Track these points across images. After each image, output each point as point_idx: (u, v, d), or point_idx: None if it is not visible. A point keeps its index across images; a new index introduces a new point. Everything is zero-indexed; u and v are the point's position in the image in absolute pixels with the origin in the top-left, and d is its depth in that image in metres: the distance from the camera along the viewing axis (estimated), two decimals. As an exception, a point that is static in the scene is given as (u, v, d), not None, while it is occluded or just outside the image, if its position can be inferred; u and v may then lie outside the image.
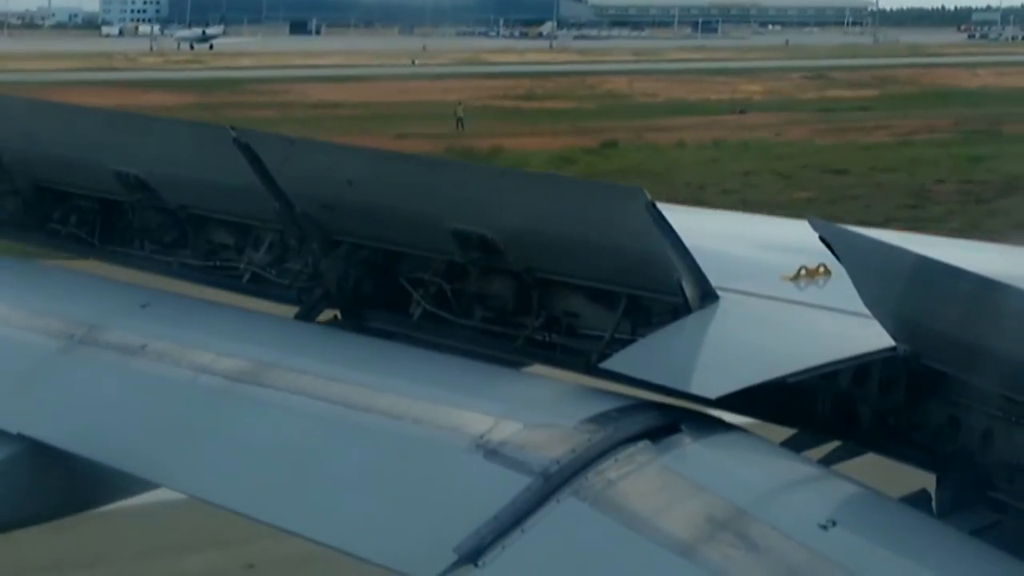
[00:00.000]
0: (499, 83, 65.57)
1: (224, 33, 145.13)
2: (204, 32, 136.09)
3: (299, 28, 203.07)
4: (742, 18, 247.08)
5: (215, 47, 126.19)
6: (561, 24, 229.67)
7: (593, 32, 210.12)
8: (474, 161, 25.94)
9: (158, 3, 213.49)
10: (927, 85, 69.39)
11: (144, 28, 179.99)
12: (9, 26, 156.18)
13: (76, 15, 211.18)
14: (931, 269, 3.39)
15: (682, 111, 50.91)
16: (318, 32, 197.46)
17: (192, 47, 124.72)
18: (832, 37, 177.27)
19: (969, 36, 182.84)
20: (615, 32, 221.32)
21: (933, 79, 73.55)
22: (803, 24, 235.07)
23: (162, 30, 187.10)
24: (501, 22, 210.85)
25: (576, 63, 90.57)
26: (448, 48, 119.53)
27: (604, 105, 54.34)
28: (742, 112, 50.34)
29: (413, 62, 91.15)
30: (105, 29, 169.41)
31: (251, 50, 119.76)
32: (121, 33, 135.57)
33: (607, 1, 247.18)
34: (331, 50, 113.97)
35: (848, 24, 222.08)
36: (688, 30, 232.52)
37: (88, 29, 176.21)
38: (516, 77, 71.04)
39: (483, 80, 67.12)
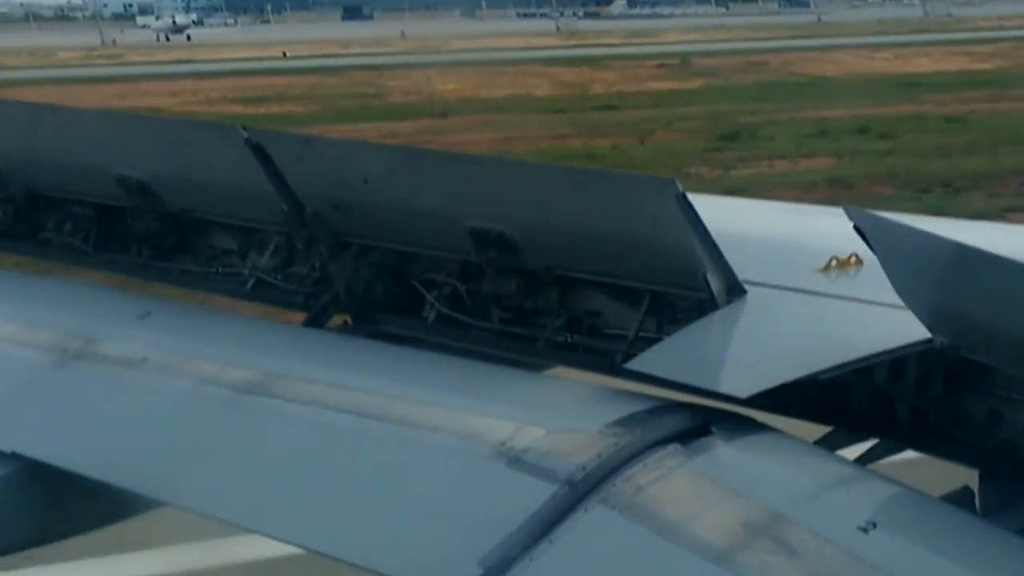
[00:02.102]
0: (275, 81, 62.62)
1: (198, 22, 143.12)
2: (175, 22, 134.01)
3: (353, 13, 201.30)
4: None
5: (192, 38, 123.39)
6: (636, 3, 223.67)
7: (667, 10, 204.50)
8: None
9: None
10: (793, 73, 65.05)
11: (182, 18, 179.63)
12: (38, 18, 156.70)
13: (131, 5, 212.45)
14: (968, 257, 3.28)
15: (378, 115, 45.54)
16: (370, 17, 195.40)
17: (168, 38, 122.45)
18: (911, 11, 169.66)
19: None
20: (693, 9, 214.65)
21: (813, 65, 68.93)
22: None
23: (235, 20, 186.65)
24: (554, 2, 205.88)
25: (488, 52, 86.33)
26: (426, 34, 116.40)
27: (331, 108, 49.58)
28: (443, 116, 44.58)
29: (284, 54, 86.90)
30: (141, 20, 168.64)
31: (230, 40, 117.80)
32: (176, 25, 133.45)
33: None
34: (322, 38, 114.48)
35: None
36: (775, 4, 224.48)
37: (126, 20, 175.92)
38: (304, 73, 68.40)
39: (275, 78, 64.05)
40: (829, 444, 3.85)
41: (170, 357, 4.31)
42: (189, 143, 5.10)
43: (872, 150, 34.66)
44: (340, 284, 4.64)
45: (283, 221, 4.78)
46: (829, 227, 4.36)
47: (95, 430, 4.16)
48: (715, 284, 3.82)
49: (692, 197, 3.76)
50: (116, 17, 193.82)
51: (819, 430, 3.91)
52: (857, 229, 3.59)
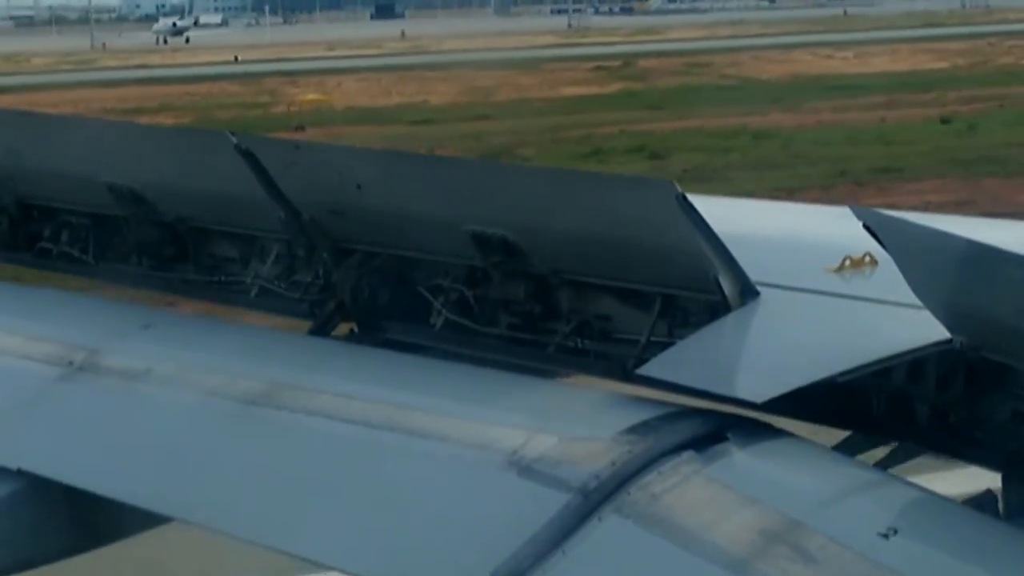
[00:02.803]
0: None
1: (197, 24, 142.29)
2: (175, 24, 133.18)
3: (385, 12, 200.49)
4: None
5: (191, 40, 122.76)
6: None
7: (706, 4, 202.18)
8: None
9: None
10: (725, 75, 63.63)
11: (208, 18, 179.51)
12: (62, 21, 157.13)
13: (164, 5, 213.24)
14: (986, 255, 3.27)
15: (239, 127, 43.58)
16: (401, 16, 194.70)
17: (165, 41, 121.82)
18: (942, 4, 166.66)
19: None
20: (735, 3, 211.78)
21: (757, 67, 67.36)
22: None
23: (256, 20, 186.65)
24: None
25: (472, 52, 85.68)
26: (427, 34, 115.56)
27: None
28: (300, 128, 42.87)
29: (236, 58, 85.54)
30: (162, 21, 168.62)
31: (223, 43, 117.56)
32: (175, 27, 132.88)
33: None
34: (316, 40, 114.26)
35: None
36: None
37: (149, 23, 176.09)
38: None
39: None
40: (848, 448, 3.84)
41: (174, 368, 4.28)
42: (179, 150, 5.11)
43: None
44: (345, 291, 4.60)
45: (282, 228, 4.73)
46: (837, 227, 4.33)
47: (100, 444, 4.15)
48: (727, 286, 3.78)
49: (696, 199, 3.73)
50: (146, 18, 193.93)
51: (837, 434, 3.90)
52: (868, 228, 3.52)
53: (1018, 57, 67.75)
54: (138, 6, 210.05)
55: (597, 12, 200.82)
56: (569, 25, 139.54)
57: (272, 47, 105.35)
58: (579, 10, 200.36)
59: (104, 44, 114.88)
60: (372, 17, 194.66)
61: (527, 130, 41.75)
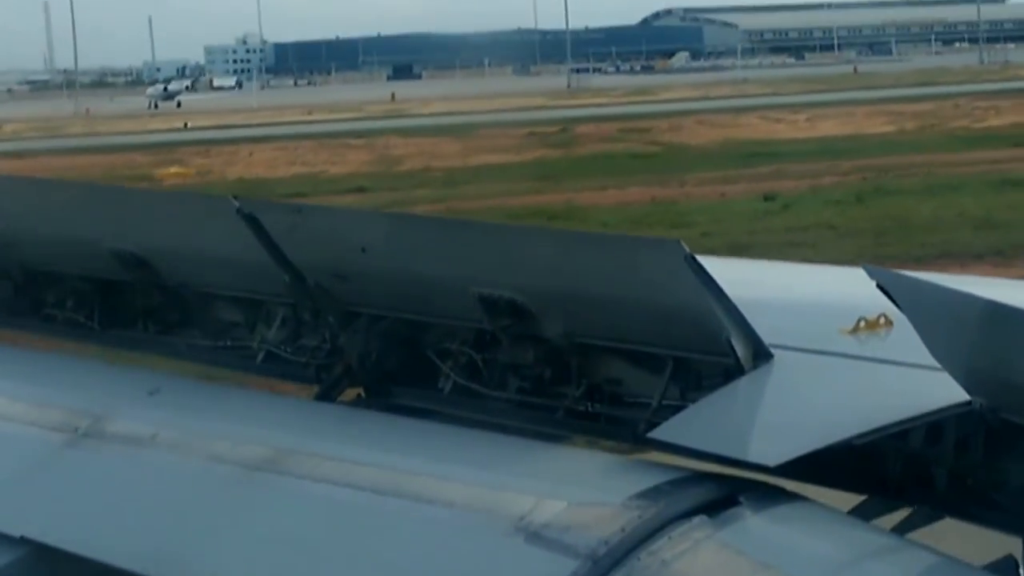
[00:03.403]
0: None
1: (190, 88, 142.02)
2: (166, 88, 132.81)
3: (403, 72, 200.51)
4: (923, 36, 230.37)
5: (183, 104, 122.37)
6: (704, 54, 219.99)
7: (727, 63, 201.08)
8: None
9: (262, 52, 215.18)
10: (653, 143, 62.20)
11: (221, 81, 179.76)
12: (72, 86, 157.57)
13: (184, 68, 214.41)
14: (1004, 315, 3.27)
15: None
16: (418, 77, 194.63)
17: (156, 106, 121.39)
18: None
19: None
20: (758, 61, 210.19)
21: (697, 132, 65.77)
22: (995, 40, 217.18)
23: (268, 83, 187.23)
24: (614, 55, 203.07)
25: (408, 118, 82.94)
26: (417, 96, 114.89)
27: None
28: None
29: (185, 125, 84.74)
30: (175, 84, 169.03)
31: (211, 108, 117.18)
32: (166, 91, 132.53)
33: (763, 24, 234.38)
34: (304, 103, 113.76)
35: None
36: (853, 53, 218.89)
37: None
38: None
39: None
40: (864, 513, 3.80)
41: (180, 434, 4.27)
42: (181, 214, 5.13)
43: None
44: (352, 356, 4.58)
45: (287, 292, 4.74)
46: (851, 287, 4.28)
47: (104, 512, 4.12)
48: (740, 349, 3.76)
49: (706, 259, 3.73)
50: (165, 80, 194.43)
51: (853, 499, 3.87)
52: (882, 289, 3.52)
53: (973, 120, 66.36)
54: (158, 69, 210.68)
55: (618, 71, 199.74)
56: (568, 85, 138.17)
57: (253, 112, 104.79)
58: (599, 69, 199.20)
59: (88, 110, 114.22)
60: (389, 78, 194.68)
61: (395, 203, 40.70)
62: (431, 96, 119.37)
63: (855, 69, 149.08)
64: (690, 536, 3.19)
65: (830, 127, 64.82)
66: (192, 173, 54.39)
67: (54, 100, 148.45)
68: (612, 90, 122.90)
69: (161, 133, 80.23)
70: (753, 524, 3.26)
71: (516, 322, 4.16)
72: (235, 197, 4.63)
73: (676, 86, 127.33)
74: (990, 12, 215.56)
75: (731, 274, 3.83)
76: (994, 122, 64.11)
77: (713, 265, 3.71)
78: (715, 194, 40.71)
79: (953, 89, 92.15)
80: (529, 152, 58.26)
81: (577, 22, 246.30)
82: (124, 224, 5.17)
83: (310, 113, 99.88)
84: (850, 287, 4.29)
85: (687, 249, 3.64)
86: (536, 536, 3.31)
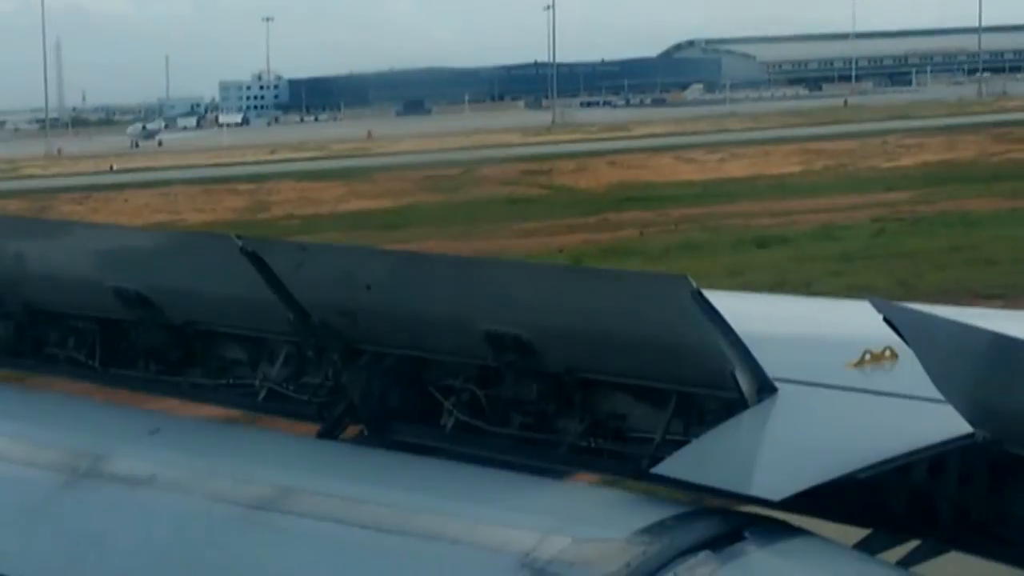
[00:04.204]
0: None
1: (166, 128, 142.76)
2: (144, 127, 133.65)
3: (414, 108, 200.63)
4: (946, 66, 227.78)
5: (164, 143, 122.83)
6: (719, 86, 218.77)
7: (741, 95, 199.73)
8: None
9: (276, 88, 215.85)
10: (541, 185, 61.90)
11: (227, 118, 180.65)
12: (79, 124, 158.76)
13: (198, 105, 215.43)
14: (1009, 347, 3.28)
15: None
16: (428, 112, 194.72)
17: (137, 145, 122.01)
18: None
19: None
20: (771, 92, 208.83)
21: (594, 175, 64.85)
22: (1017, 69, 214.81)
23: (276, 119, 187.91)
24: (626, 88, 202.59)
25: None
26: (393, 134, 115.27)
27: None
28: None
29: (111, 167, 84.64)
30: (181, 121, 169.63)
31: (198, 146, 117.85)
32: (145, 130, 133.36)
33: (782, 55, 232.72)
34: (274, 142, 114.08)
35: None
36: (870, 84, 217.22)
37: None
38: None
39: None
40: (868, 547, 3.81)
41: (181, 474, 4.26)
42: (184, 254, 5.14)
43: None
44: (354, 393, 4.58)
45: (291, 330, 4.74)
46: (856, 320, 4.30)
47: (105, 552, 4.11)
48: (744, 383, 3.77)
49: (711, 294, 3.74)
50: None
51: (857, 533, 3.88)
52: (888, 322, 3.53)
53: (885, 160, 65.81)
54: (172, 106, 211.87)
55: (628, 104, 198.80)
56: (553, 121, 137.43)
57: (217, 151, 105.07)
58: (608, 103, 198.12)
59: (59, 150, 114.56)
60: (398, 114, 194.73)
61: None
62: (409, 134, 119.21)
63: (845, 102, 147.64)
64: (695, 571, 3.19)
65: (733, 168, 64.85)
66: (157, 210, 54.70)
67: (44, 139, 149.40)
68: (591, 126, 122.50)
69: (83, 176, 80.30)
70: (758, 559, 3.27)
71: (520, 358, 4.18)
72: (238, 236, 4.64)
73: (657, 121, 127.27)
74: (1014, 41, 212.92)
75: (737, 308, 3.87)
76: (904, 162, 63.10)
77: (719, 299, 3.73)
78: (539, 245, 40.42)
79: (915, 124, 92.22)
80: (408, 197, 57.99)
81: (600, 54, 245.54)
82: (126, 263, 5.21)
83: (272, 153, 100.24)
84: (856, 320, 4.32)
85: (694, 284, 3.66)
86: (542, 573, 3.32)
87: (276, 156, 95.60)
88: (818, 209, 44.84)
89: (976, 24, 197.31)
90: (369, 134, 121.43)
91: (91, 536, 4.16)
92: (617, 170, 66.37)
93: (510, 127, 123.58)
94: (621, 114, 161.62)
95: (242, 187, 65.65)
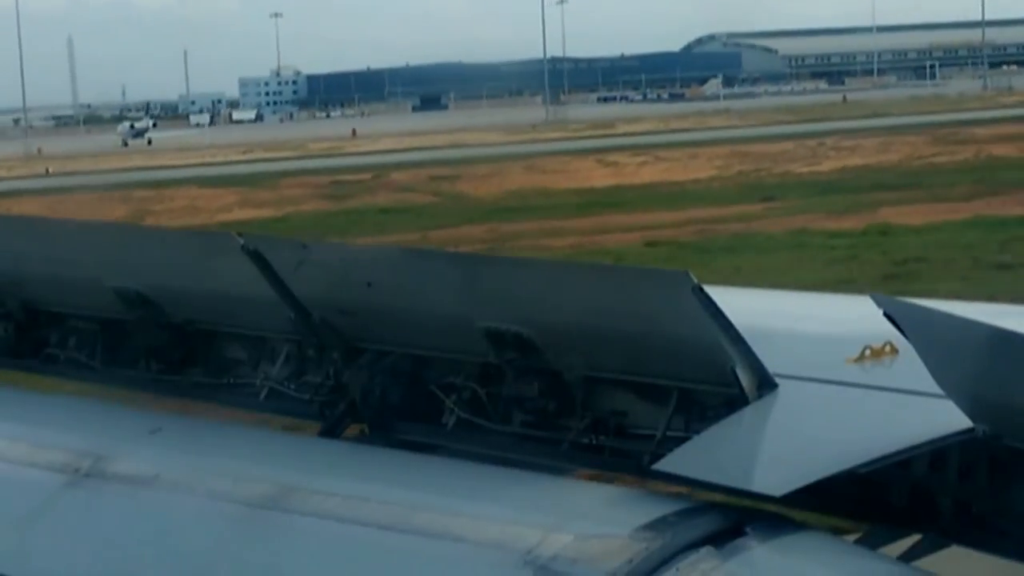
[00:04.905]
0: None
1: (155, 126, 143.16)
2: (132, 126, 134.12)
3: (431, 103, 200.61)
4: (971, 59, 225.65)
5: (153, 142, 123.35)
6: (740, 80, 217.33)
7: (759, 89, 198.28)
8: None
9: (295, 84, 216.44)
10: (436, 193, 59.19)
11: (241, 114, 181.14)
12: (91, 121, 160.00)
13: (220, 101, 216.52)
14: (1009, 342, 3.28)
15: None
16: (445, 107, 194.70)
17: (126, 143, 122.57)
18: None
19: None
20: (791, 87, 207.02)
21: (515, 179, 62.68)
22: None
23: (291, 115, 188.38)
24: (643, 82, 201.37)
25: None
26: (380, 131, 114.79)
27: None
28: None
29: (47, 170, 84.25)
30: (194, 118, 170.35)
31: (189, 144, 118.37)
32: (133, 128, 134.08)
33: (804, 49, 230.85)
34: (258, 140, 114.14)
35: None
36: (893, 78, 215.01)
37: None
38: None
39: None
40: (870, 542, 3.84)
41: (183, 473, 4.26)
42: (185, 252, 5.14)
43: None
44: (355, 392, 4.60)
45: (292, 329, 4.76)
46: (857, 316, 4.32)
47: (107, 553, 4.12)
48: (745, 378, 3.78)
49: (713, 289, 3.75)
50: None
51: (859, 528, 3.92)
52: (888, 317, 3.54)
53: (805, 165, 63.38)
54: (192, 102, 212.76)
55: (645, 99, 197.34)
56: (546, 118, 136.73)
57: (198, 151, 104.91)
58: (626, 97, 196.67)
59: (39, 150, 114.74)
60: (415, 109, 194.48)
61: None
62: (397, 131, 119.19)
63: (844, 98, 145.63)
64: (697, 567, 3.21)
65: (644, 174, 62.54)
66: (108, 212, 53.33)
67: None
68: (581, 123, 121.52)
69: (15, 181, 78.34)
70: (760, 554, 3.29)
71: (521, 355, 4.20)
72: (239, 234, 4.66)
73: (651, 117, 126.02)
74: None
75: (738, 303, 3.90)
76: (822, 167, 61.48)
77: (719, 295, 3.75)
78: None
79: (881, 123, 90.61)
80: (294, 206, 55.85)
81: (622, 48, 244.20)
82: (126, 262, 5.21)
83: (244, 153, 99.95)
84: (857, 315, 4.36)
85: (695, 280, 3.68)
86: (544, 569, 3.33)
87: (245, 157, 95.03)
88: (646, 225, 41.36)
89: (1001, 17, 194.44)
90: (354, 132, 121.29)
91: (92, 536, 4.18)
92: (527, 175, 64.08)
93: (501, 125, 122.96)
94: (631, 109, 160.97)
95: (140, 194, 63.08)
